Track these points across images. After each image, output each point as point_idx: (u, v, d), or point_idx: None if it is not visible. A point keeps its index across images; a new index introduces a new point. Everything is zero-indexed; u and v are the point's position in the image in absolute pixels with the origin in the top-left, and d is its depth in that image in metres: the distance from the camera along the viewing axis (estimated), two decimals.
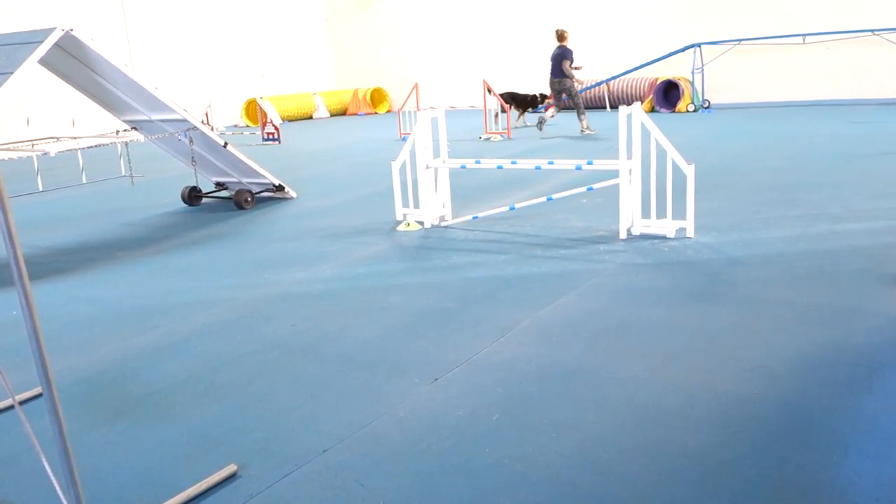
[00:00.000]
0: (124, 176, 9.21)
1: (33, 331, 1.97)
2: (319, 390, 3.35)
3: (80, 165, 9.36)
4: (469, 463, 2.67)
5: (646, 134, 5.44)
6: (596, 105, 17.29)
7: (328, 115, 21.40)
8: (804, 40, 15.86)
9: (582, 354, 3.57)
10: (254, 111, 18.97)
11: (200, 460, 2.81)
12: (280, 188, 8.16)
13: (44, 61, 6.51)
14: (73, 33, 6.03)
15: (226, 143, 7.62)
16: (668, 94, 16.41)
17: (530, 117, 15.25)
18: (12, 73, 5.40)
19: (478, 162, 6.37)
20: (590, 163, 5.88)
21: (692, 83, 15.99)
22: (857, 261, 4.77)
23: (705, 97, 16.06)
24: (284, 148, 13.96)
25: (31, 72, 6.05)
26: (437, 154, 6.60)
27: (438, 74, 21.39)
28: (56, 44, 5.95)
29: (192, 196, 8.29)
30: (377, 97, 22.22)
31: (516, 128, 14.43)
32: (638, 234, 5.69)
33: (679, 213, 5.56)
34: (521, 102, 14.84)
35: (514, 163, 6.32)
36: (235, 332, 4.17)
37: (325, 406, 3.19)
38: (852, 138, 10.37)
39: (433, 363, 3.57)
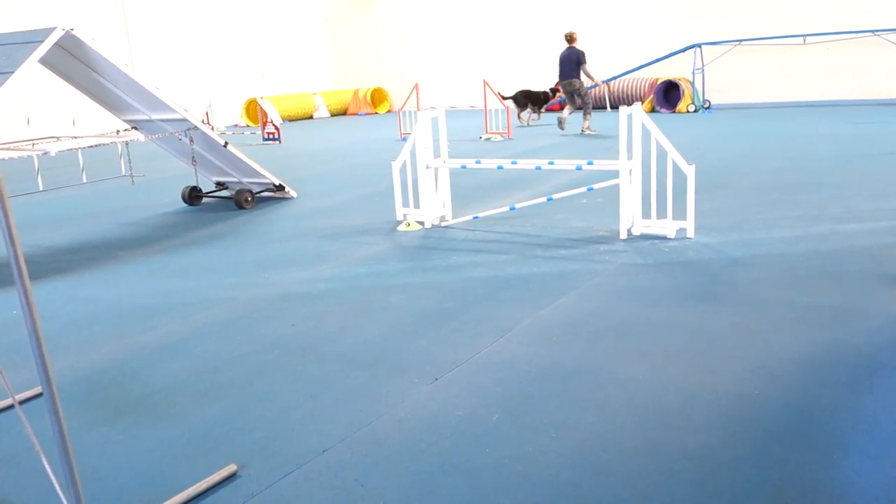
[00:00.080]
0: (125, 175, 9.21)
1: (33, 330, 1.97)
2: (319, 390, 3.35)
3: (81, 165, 9.36)
4: (469, 463, 2.67)
5: (646, 134, 5.44)
6: (596, 105, 17.27)
7: (328, 115, 21.40)
8: (805, 41, 15.86)
9: (582, 354, 3.57)
10: (254, 111, 18.97)
11: (200, 460, 2.81)
12: (280, 188, 8.16)
13: (44, 61, 6.51)
14: (73, 33, 6.03)
15: (226, 143, 7.62)
16: (668, 94, 16.41)
17: (535, 116, 15.39)
18: (13, 72, 5.40)
19: (478, 162, 6.37)
20: (590, 163, 5.88)
21: (693, 83, 15.98)
22: (857, 261, 4.77)
23: (706, 97, 16.05)
24: (285, 148, 13.96)
25: (32, 71, 6.06)
26: (437, 154, 6.60)
27: (439, 74, 21.39)
28: (56, 43, 5.95)
29: (193, 196, 8.30)
30: (377, 97, 22.22)
31: (528, 125, 14.83)
32: (638, 234, 5.69)
33: (679, 214, 5.56)
34: (536, 100, 15.04)
35: (514, 163, 6.32)
36: (235, 332, 4.17)
37: (325, 406, 3.19)
38: (853, 139, 10.36)
39: (433, 363, 3.57)
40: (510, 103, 15.18)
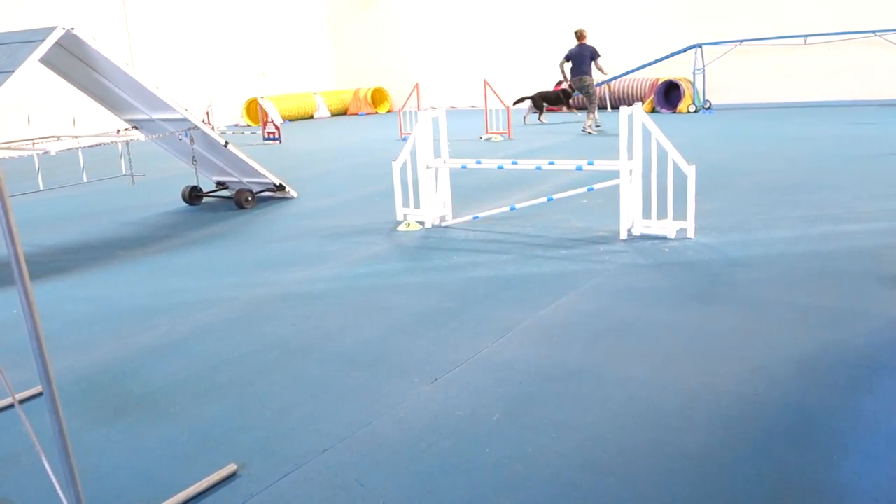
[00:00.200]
0: (125, 175, 9.22)
1: (34, 329, 1.97)
2: (319, 390, 3.35)
3: (81, 164, 9.37)
4: (469, 463, 2.67)
5: (647, 134, 5.44)
6: (598, 105, 17.28)
7: (329, 115, 21.40)
8: (805, 41, 15.85)
9: (582, 355, 3.57)
10: (255, 110, 18.98)
11: (200, 459, 2.81)
12: (281, 188, 8.16)
13: (45, 60, 6.51)
14: (74, 32, 6.02)
15: (226, 143, 7.63)
16: (669, 94, 16.41)
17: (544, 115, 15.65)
18: (13, 71, 5.40)
19: (478, 162, 6.37)
20: (590, 163, 5.88)
21: (693, 84, 15.98)
22: (858, 262, 4.77)
23: (706, 98, 16.05)
24: (285, 147, 13.96)
25: (33, 70, 6.06)
26: (437, 154, 6.60)
27: (439, 74, 21.39)
28: (57, 43, 5.94)
29: (193, 195, 8.29)
30: (378, 97, 22.22)
31: (543, 123, 15.19)
32: (638, 234, 5.69)
33: (680, 214, 5.56)
34: (554, 101, 15.15)
35: (514, 163, 6.32)
36: (236, 332, 4.17)
37: (325, 406, 3.19)
38: (853, 139, 10.36)
39: (433, 363, 3.57)
40: (528, 103, 15.37)
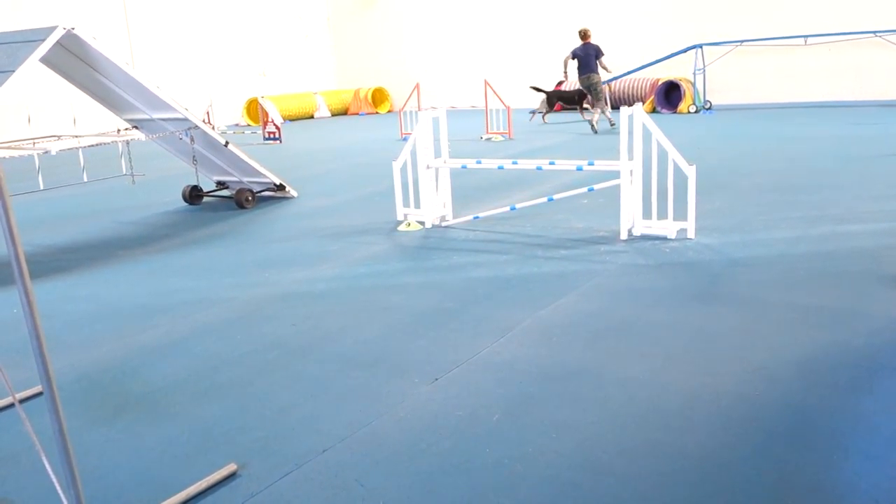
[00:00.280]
0: (125, 175, 9.21)
1: (34, 329, 1.97)
2: (320, 390, 3.35)
3: (81, 164, 9.36)
4: (469, 463, 2.67)
5: (647, 135, 5.44)
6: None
7: (329, 115, 21.40)
8: (806, 41, 15.85)
9: (582, 355, 3.57)
10: (255, 110, 18.98)
11: (200, 459, 2.81)
12: (281, 187, 8.16)
13: (45, 60, 6.51)
14: (74, 32, 6.03)
15: (227, 143, 7.63)
16: (669, 94, 16.40)
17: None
18: (14, 71, 5.40)
19: (479, 162, 6.37)
20: (591, 163, 5.88)
21: (694, 84, 15.97)
22: (858, 262, 4.76)
23: (707, 98, 16.04)
24: (285, 147, 13.96)
25: (33, 70, 6.06)
26: (438, 154, 6.60)
27: (440, 74, 21.38)
28: (58, 42, 5.94)
29: (193, 195, 8.30)
30: (378, 97, 22.22)
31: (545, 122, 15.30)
32: (639, 234, 5.69)
33: (680, 214, 5.56)
34: (570, 100, 15.23)
35: (514, 163, 6.32)
36: (236, 332, 4.17)
37: (325, 406, 3.19)
38: (854, 140, 10.36)
39: (433, 363, 3.57)
40: (542, 97, 15.46)
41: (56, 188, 9.53)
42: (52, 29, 5.77)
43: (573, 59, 13.30)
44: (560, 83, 17.01)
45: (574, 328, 3.91)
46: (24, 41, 5.72)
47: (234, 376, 3.56)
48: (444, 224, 6.49)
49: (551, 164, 6.08)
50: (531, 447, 2.75)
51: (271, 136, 14.90)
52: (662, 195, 5.65)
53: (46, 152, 6.45)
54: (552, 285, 4.65)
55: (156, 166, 11.30)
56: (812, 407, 2.93)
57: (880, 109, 14.27)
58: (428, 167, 6.37)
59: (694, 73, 16.01)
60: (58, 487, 2.27)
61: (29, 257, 6.10)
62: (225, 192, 8.50)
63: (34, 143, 7.07)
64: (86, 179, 9.49)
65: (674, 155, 5.41)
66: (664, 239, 5.54)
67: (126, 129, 8.06)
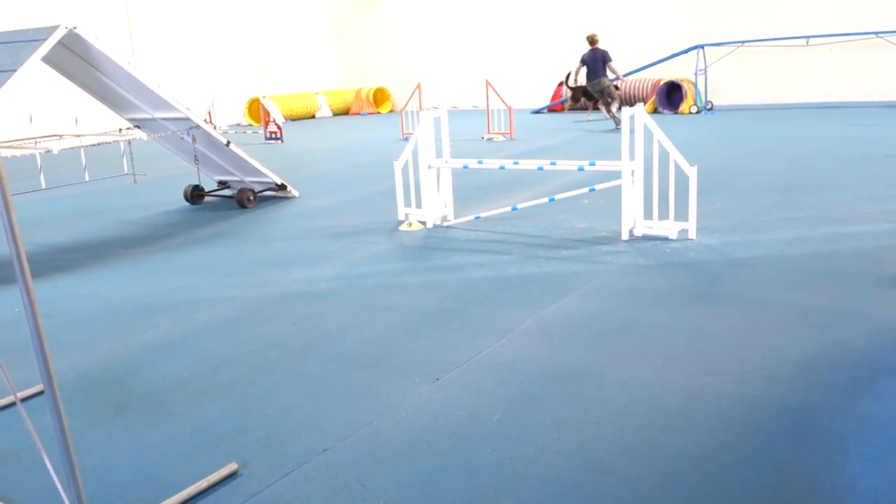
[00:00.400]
0: (127, 174, 9.22)
1: (35, 328, 1.97)
2: (320, 389, 3.35)
3: (83, 163, 9.37)
4: (470, 463, 2.67)
5: (648, 135, 5.44)
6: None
7: (331, 115, 21.40)
8: (807, 42, 15.84)
9: (583, 355, 3.57)
10: (256, 110, 18.98)
11: (201, 458, 2.81)
12: (282, 187, 8.17)
13: (47, 59, 6.51)
14: (76, 31, 6.03)
15: (228, 142, 7.63)
16: (670, 95, 16.39)
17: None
18: (16, 70, 5.41)
19: (480, 162, 6.37)
20: (592, 164, 5.88)
21: (695, 85, 15.97)
22: (859, 263, 4.76)
23: (708, 99, 16.04)
24: (287, 147, 13.97)
25: (35, 69, 6.06)
26: (439, 154, 6.60)
27: (441, 74, 21.38)
28: (60, 42, 5.95)
29: (195, 194, 8.30)
30: (380, 97, 22.22)
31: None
32: (640, 235, 5.69)
33: (681, 215, 5.56)
34: (593, 98, 15.23)
35: (516, 163, 6.32)
36: (237, 331, 4.17)
37: (325, 405, 3.19)
38: (855, 140, 10.35)
39: (434, 363, 3.57)
40: (567, 92, 15.54)
41: (58, 187, 9.54)
42: (54, 28, 5.78)
43: (582, 65, 13.63)
44: (560, 84, 17.00)
45: (575, 328, 3.91)
46: (26, 40, 5.72)
47: (235, 376, 3.56)
48: (445, 224, 6.49)
49: (552, 164, 6.08)
50: (532, 447, 2.75)
51: (273, 135, 14.91)
52: (664, 196, 5.65)
53: (48, 151, 6.45)
54: (553, 285, 4.65)
55: (157, 166, 11.31)
56: (812, 407, 2.93)
57: (882, 110, 14.27)
58: (429, 167, 6.37)
59: (695, 74, 16.01)
60: (59, 486, 2.27)
61: (30, 256, 6.10)
62: (226, 192, 8.51)
63: (36, 143, 7.08)
64: (87, 179, 9.50)
65: (675, 155, 5.41)
66: (665, 239, 5.54)
67: (128, 128, 8.07)
